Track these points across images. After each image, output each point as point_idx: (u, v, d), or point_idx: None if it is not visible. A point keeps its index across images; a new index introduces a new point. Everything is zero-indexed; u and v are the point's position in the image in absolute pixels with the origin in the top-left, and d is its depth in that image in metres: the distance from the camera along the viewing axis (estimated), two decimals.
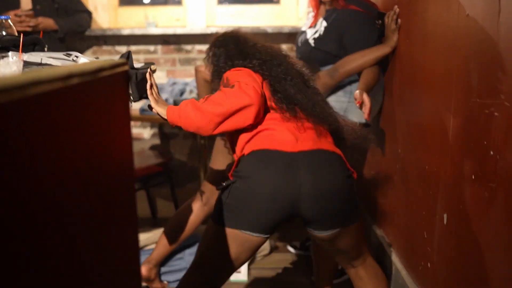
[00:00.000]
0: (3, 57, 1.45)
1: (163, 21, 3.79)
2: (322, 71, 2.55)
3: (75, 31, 3.36)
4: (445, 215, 1.79)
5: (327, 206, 1.70)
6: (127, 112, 1.00)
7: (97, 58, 1.78)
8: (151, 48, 3.72)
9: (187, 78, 3.62)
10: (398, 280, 2.28)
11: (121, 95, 0.97)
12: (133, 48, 3.70)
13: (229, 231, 1.73)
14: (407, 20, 2.30)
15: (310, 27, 2.69)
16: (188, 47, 3.73)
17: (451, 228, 1.74)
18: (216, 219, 1.77)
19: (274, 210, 1.69)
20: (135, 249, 1.06)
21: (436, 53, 1.91)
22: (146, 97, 1.64)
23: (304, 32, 2.73)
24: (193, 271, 1.84)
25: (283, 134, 1.76)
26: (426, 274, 2.00)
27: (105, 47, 3.70)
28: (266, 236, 1.74)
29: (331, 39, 2.55)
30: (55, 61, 1.59)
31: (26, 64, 1.54)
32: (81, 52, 3.57)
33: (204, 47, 3.70)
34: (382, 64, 2.55)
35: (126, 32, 3.58)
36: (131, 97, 1.62)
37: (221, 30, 3.53)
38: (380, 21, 2.54)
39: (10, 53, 1.47)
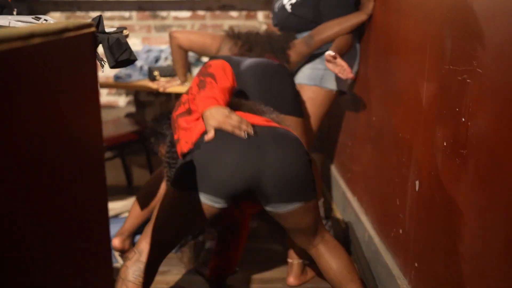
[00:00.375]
0: None
1: None
2: (298, 39, 2.54)
3: None
4: (417, 182, 1.80)
5: (290, 177, 1.69)
6: (94, 76, 0.98)
7: (38, 17, 1.72)
8: (126, 14, 3.65)
9: (162, 45, 3.56)
10: (371, 247, 2.31)
11: (88, 57, 0.94)
12: (107, 13, 3.62)
13: (186, 194, 1.72)
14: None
15: None
16: (164, 13, 3.66)
17: (423, 195, 1.75)
18: (175, 183, 1.75)
19: (236, 178, 1.66)
20: (104, 219, 1.04)
21: (411, 20, 1.89)
22: (121, 62, 1.59)
23: None
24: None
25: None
26: (398, 241, 2.02)
27: (78, 13, 3.61)
28: (221, 205, 1.71)
29: (308, 4, 2.53)
30: (24, 24, 1.55)
31: None
32: (54, 19, 3.49)
33: (180, 13, 3.65)
34: (358, 31, 2.54)
35: None
36: (106, 62, 1.58)
37: None
38: None
39: None
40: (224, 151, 1.67)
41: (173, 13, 3.67)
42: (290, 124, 2.08)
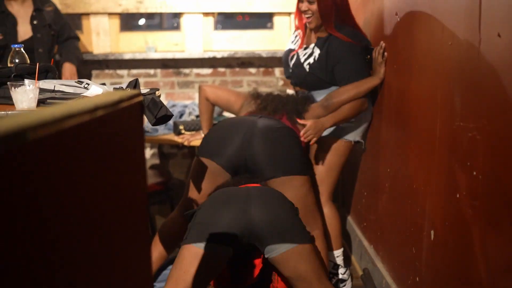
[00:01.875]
0: (20, 85, 1.51)
1: (162, 46, 3.86)
2: (315, 104, 2.62)
3: (80, 60, 3.47)
4: (432, 231, 1.85)
5: (275, 219, 1.97)
6: (142, 138, 1.06)
7: (103, 84, 1.83)
8: (151, 71, 3.79)
9: (185, 101, 3.68)
10: None
11: (137, 122, 1.03)
12: (133, 71, 3.77)
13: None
14: (394, 53, 2.38)
15: (300, 48, 2.76)
16: (186, 70, 3.80)
17: (438, 244, 1.80)
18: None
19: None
20: (148, 270, 1.11)
21: (421, 81, 1.98)
22: (160, 119, 1.68)
23: (293, 53, 2.79)
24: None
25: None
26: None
27: (107, 71, 3.77)
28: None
29: (324, 68, 2.62)
30: (68, 88, 1.66)
31: (41, 91, 1.60)
32: (84, 76, 3.64)
33: (201, 70, 3.79)
34: (371, 92, 2.63)
35: (127, 56, 3.65)
36: (148, 120, 1.67)
37: (217, 54, 3.63)
38: (368, 56, 2.63)
39: (26, 81, 1.52)
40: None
41: (195, 70, 3.80)
42: (297, 183, 2.26)
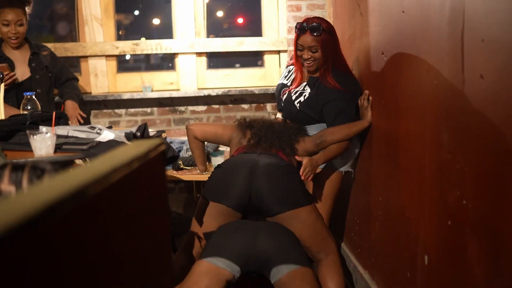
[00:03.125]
0: (36, 133, 1.57)
1: (158, 85, 3.95)
2: (307, 138, 2.72)
3: (80, 97, 3.55)
4: (426, 256, 1.92)
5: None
6: (166, 184, 1.13)
7: (110, 127, 1.91)
8: (148, 110, 3.87)
9: (182, 137, 3.75)
10: None
11: (161, 168, 1.10)
12: (131, 110, 3.84)
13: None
14: (382, 92, 2.48)
15: (293, 88, 2.85)
16: (182, 108, 3.88)
17: (432, 268, 1.87)
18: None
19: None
20: None
21: (410, 116, 2.08)
22: (167, 160, 1.75)
23: (286, 89, 2.88)
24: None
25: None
26: None
27: (105, 111, 3.84)
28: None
29: (313, 107, 2.73)
30: (81, 134, 1.72)
31: (57, 137, 1.66)
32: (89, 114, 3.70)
33: (196, 107, 3.87)
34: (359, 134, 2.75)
35: (125, 96, 3.73)
36: None
37: (212, 92, 3.72)
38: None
39: (44, 129, 1.59)
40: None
41: (190, 108, 3.89)
42: (304, 214, 2.35)
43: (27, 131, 1.58)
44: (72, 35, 3.99)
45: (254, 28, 4.12)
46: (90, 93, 3.86)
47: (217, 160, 3.18)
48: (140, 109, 3.86)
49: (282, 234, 2.18)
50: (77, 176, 0.71)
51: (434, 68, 1.78)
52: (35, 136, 1.55)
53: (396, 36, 2.21)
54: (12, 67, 3.21)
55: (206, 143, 2.98)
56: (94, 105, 3.82)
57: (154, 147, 1.02)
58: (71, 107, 3.32)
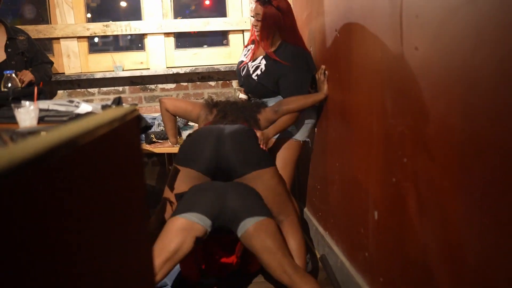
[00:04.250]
0: (21, 106, 1.67)
1: (128, 64, 4.02)
2: (267, 108, 2.88)
3: (44, 80, 3.55)
4: (375, 212, 2.10)
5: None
6: (141, 148, 1.25)
7: (71, 101, 2.00)
8: (120, 88, 3.95)
9: (153, 114, 3.85)
10: (344, 271, 2.57)
11: (135, 133, 1.22)
12: (103, 89, 3.92)
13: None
14: (336, 66, 2.63)
15: (250, 61, 3.00)
16: (152, 86, 3.98)
17: (381, 222, 2.05)
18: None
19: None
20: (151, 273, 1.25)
21: (359, 88, 2.23)
22: (141, 130, 1.87)
23: (244, 64, 3.04)
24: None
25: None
26: (365, 263, 2.29)
27: (78, 90, 3.90)
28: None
29: (271, 79, 2.89)
30: (60, 107, 1.83)
31: (39, 110, 1.77)
32: (55, 94, 3.76)
33: (166, 85, 3.97)
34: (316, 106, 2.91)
35: (98, 76, 3.80)
36: None
37: (180, 70, 3.82)
38: (314, 85, 2.92)
39: (27, 103, 1.69)
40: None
41: (160, 85, 3.98)
42: (267, 175, 2.45)
43: (12, 105, 1.68)
44: (39, 18, 4.01)
45: (219, 10, 4.22)
46: (64, 73, 3.92)
47: (187, 134, 3.30)
48: (112, 88, 3.94)
49: (248, 191, 2.33)
50: (68, 129, 0.82)
51: (379, 42, 1.93)
52: (19, 109, 1.65)
53: (347, 14, 2.35)
54: None
55: (177, 118, 3.10)
56: (67, 85, 3.88)
57: (130, 111, 1.14)
58: (24, 72, 3.27)
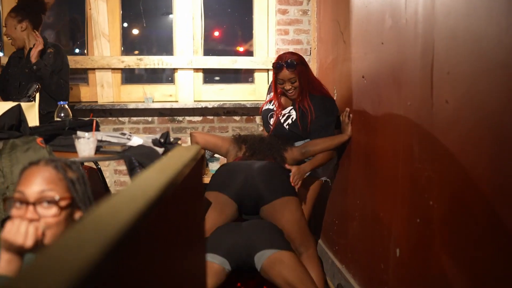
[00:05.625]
0: (80, 137, 1.79)
1: (158, 96, 4.17)
2: (294, 148, 3.01)
3: (51, 90, 3.37)
4: (397, 250, 2.18)
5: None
6: (202, 182, 1.36)
7: (123, 134, 2.12)
8: (149, 119, 4.08)
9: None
10: None
11: (201, 171, 1.32)
12: (133, 119, 4.05)
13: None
14: (361, 113, 2.75)
15: (278, 110, 3.13)
16: (180, 118, 4.11)
17: (403, 259, 2.13)
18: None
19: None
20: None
21: (385, 133, 2.34)
22: None
23: (273, 113, 3.16)
24: None
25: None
26: None
27: (110, 118, 4.04)
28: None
29: (300, 125, 3.04)
30: (113, 139, 1.94)
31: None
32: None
33: (193, 118, 4.10)
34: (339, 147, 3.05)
35: (130, 106, 3.94)
36: None
37: (208, 105, 3.95)
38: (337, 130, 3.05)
39: (86, 134, 1.81)
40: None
41: (187, 118, 4.11)
42: (293, 206, 2.60)
43: (73, 136, 1.79)
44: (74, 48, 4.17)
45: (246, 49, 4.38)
46: (97, 102, 4.06)
47: (213, 165, 3.42)
48: (142, 118, 4.07)
49: (265, 225, 2.44)
50: (168, 169, 0.93)
51: (408, 92, 2.05)
52: (79, 140, 1.77)
53: (375, 63, 2.48)
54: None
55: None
56: (100, 113, 4.02)
57: (197, 150, 1.25)
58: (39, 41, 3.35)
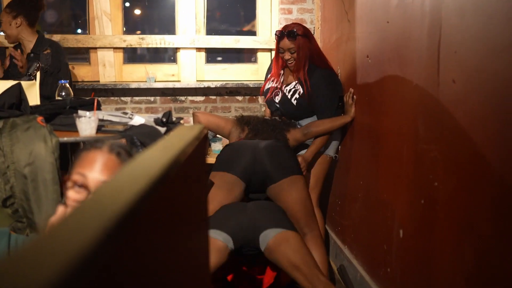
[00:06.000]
0: (82, 116, 1.77)
1: (160, 76, 4.13)
2: (297, 129, 2.99)
3: (46, 91, 3.08)
4: (401, 231, 2.17)
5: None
6: (205, 162, 1.34)
7: (125, 113, 2.09)
8: (151, 99, 4.05)
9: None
10: (364, 284, 2.64)
11: (204, 151, 1.31)
12: (136, 98, 4.02)
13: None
14: (366, 90, 2.72)
15: (282, 85, 3.09)
16: (182, 98, 4.08)
17: (406, 240, 2.12)
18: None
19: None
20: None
21: (390, 112, 2.31)
22: None
23: (277, 90, 3.12)
24: None
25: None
26: (386, 278, 2.36)
27: (112, 98, 4.01)
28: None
29: (308, 101, 2.99)
30: (114, 118, 1.92)
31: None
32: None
33: (195, 98, 4.07)
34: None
35: (133, 86, 3.91)
36: None
37: (210, 84, 3.92)
38: (340, 103, 3.00)
39: (87, 113, 1.79)
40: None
41: (190, 98, 4.08)
42: (300, 185, 2.58)
43: (74, 115, 1.77)
44: (59, 24, 4.12)
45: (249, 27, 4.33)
46: (98, 81, 4.03)
47: (216, 146, 3.39)
48: (144, 98, 4.05)
49: (271, 206, 2.44)
50: (170, 148, 0.91)
51: (414, 72, 2.02)
52: (81, 119, 1.75)
53: (380, 42, 2.44)
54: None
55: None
56: (102, 93, 3.99)
57: (201, 130, 1.23)
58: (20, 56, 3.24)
